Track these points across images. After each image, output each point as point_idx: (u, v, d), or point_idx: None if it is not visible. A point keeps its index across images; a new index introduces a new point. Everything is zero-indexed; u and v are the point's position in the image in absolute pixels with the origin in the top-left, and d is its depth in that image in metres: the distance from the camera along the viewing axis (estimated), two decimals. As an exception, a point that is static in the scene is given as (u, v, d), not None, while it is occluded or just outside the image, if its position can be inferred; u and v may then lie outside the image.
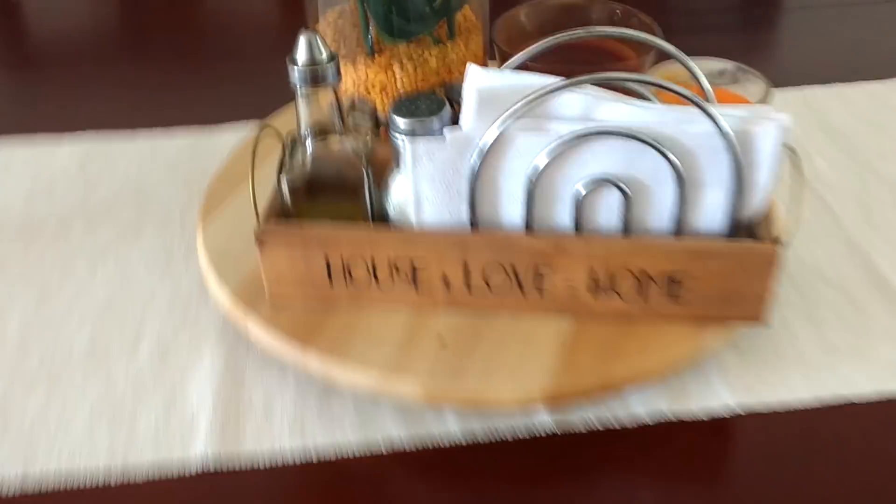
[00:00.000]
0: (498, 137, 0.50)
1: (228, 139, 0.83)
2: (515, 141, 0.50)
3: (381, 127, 0.64)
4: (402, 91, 0.61)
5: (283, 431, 0.54)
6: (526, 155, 0.51)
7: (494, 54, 0.66)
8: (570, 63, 0.59)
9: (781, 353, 0.58)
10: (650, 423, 0.54)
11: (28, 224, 0.72)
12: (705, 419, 0.54)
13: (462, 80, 0.58)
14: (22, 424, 0.54)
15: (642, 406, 0.55)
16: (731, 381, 0.56)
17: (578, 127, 0.50)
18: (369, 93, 0.61)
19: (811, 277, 0.64)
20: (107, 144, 0.83)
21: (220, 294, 0.59)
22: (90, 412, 0.55)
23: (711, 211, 0.52)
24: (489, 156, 0.51)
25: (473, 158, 0.51)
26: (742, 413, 0.54)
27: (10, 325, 0.62)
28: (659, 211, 0.52)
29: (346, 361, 0.53)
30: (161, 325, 0.62)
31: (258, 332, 0.56)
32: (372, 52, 0.61)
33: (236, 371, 0.58)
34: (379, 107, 0.62)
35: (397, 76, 0.59)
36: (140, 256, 0.69)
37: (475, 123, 0.51)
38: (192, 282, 0.66)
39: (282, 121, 0.77)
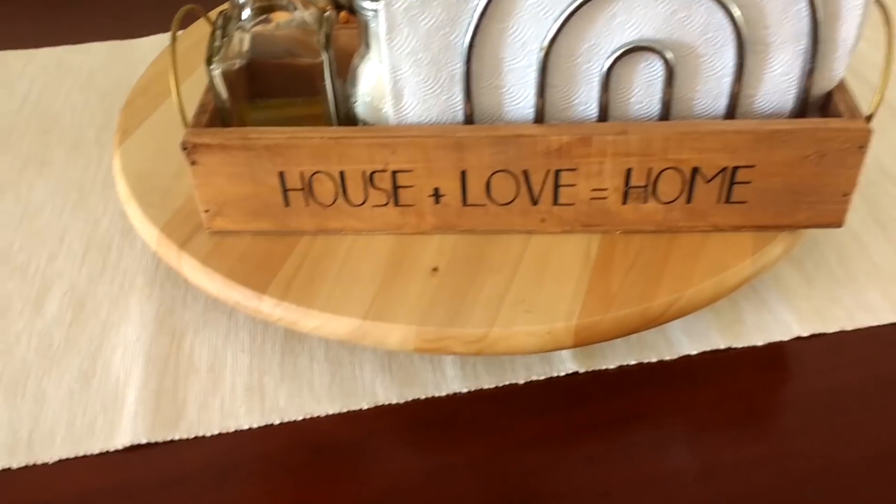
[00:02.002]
0: (501, -7, 0.37)
1: (150, 50, 0.69)
2: (524, -3, 0.37)
3: (340, 7, 0.51)
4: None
5: (237, 396, 0.41)
6: (538, 17, 0.38)
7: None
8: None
9: (851, 267, 0.47)
10: (697, 357, 0.43)
11: None
12: (765, 348, 0.43)
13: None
14: None
15: (687, 338, 0.44)
16: (794, 301, 0.45)
17: (607, -25, 0.37)
18: (323, -38, 0.48)
19: (874, 174, 0.53)
20: (4, 64, 0.68)
21: (145, 229, 0.46)
22: (-18, 388, 0.42)
23: (779, 82, 0.40)
24: (489, 19, 0.38)
25: (470, 24, 0.38)
26: (807, 337, 0.44)
27: None
28: (711, 85, 0.40)
29: (314, 306, 0.40)
30: (73, 273, 0.49)
31: (197, 274, 0.43)
32: None
33: (172, 325, 0.45)
34: (336, -20, 0.48)
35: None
36: (46, 190, 0.55)
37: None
38: (111, 218, 0.52)
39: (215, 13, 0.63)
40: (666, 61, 0.39)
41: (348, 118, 0.45)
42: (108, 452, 0.39)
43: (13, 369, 0.43)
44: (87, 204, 0.54)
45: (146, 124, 0.53)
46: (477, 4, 0.37)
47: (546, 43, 0.38)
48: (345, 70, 0.45)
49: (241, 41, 0.41)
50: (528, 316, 0.39)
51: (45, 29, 0.74)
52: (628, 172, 0.41)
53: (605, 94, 0.40)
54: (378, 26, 0.41)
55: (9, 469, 0.39)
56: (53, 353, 0.44)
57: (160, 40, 0.70)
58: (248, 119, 0.45)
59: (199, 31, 0.61)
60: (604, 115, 0.41)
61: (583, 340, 0.39)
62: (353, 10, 0.51)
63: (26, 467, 0.39)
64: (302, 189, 0.42)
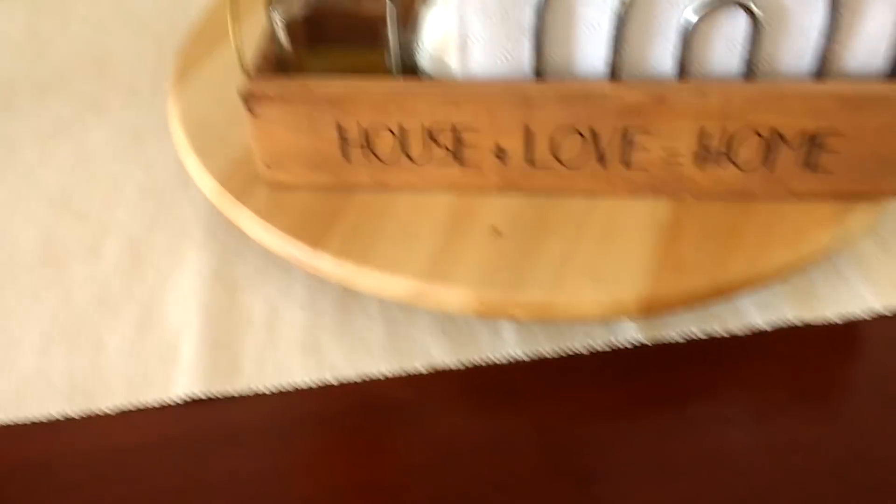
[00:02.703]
0: (579, -61, 0.35)
1: (208, -9, 0.68)
2: (605, -56, 0.35)
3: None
4: None
5: (292, 353, 0.41)
6: (618, -34, 0.36)
7: None
8: None
9: (935, 238, 0.44)
10: (768, 331, 0.41)
11: (-38, 99, 0.58)
12: (840, 323, 0.41)
13: None
14: (-46, 351, 0.42)
15: (757, 310, 0.42)
16: (871, 274, 0.43)
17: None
18: None
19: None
20: (59, 2, 0.68)
21: (203, 179, 0.45)
22: (42, 332, 0.42)
23: (872, 42, 0.37)
24: (565, -31, 0.36)
25: (543, -27, 0.36)
26: (883, 313, 0.41)
27: (-62, 224, 0.48)
28: (799, 44, 0.38)
29: (371, 264, 0.39)
30: (130, 221, 0.48)
31: (254, 227, 0.42)
32: None
33: (228, 278, 0.45)
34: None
35: None
36: (101, 136, 0.54)
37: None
38: (167, 165, 0.52)
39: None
40: (752, 15, 0.36)
41: (411, 68, 0.43)
42: (165, 406, 0.39)
43: (71, 317, 0.43)
44: (143, 150, 0.53)
45: (202, 69, 0.52)
46: (553, -49, 0.35)
47: (625, -6, 0.36)
48: (407, 14, 0.43)
49: (303, -13, 0.39)
50: (594, 283, 0.38)
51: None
52: (705, 135, 0.39)
53: (685, 51, 0.38)
54: (446, -27, 0.39)
55: (67, 417, 0.39)
56: (111, 302, 0.44)
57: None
58: (308, 67, 0.43)
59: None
60: (682, 72, 0.39)
61: (649, 310, 0.38)
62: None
63: (85, 417, 0.39)
64: (361, 143, 0.41)
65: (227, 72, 0.51)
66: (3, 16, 0.66)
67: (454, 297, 0.38)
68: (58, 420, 0.39)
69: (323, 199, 0.43)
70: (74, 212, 0.49)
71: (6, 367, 0.41)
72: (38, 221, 0.49)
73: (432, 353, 0.41)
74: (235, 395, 0.40)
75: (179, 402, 0.39)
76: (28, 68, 0.61)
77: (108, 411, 0.39)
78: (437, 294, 0.39)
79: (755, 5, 0.36)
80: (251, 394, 0.40)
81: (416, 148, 0.41)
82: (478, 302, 0.38)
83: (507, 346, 0.41)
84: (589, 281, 0.38)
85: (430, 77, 0.42)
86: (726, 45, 0.38)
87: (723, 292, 0.38)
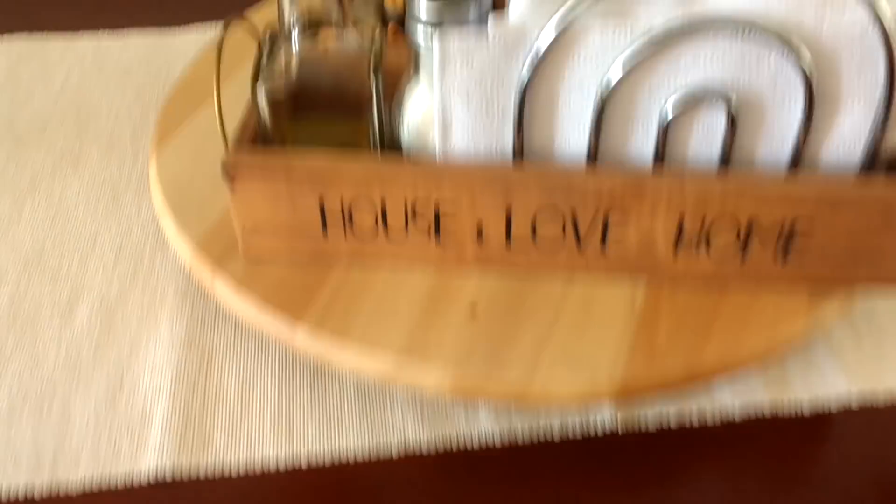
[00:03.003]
0: (562, 33, 0.35)
1: (192, 43, 0.68)
2: (587, 37, 0.36)
3: (389, 21, 0.49)
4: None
5: (265, 428, 0.41)
6: (599, 58, 0.36)
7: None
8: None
9: (906, 324, 0.45)
10: (739, 420, 0.41)
11: (-61, 147, 0.57)
12: (809, 413, 0.42)
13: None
14: (-84, 417, 0.41)
15: (732, 395, 0.42)
16: (846, 362, 0.43)
17: (677, 16, 0.35)
18: (373, -24, 0.46)
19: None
20: (41, 48, 0.67)
21: (179, 244, 0.45)
22: (9, 398, 0.42)
23: (847, 138, 0.38)
24: (548, 59, 0.36)
25: (526, 62, 0.36)
26: (858, 404, 0.42)
27: None
28: (775, 137, 0.38)
29: (348, 340, 0.39)
30: (104, 282, 0.48)
31: (229, 297, 0.42)
32: (377, -80, 0.45)
33: (202, 346, 0.44)
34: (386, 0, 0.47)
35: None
36: (79, 190, 0.54)
37: (529, 12, 0.36)
38: (144, 225, 0.51)
39: (260, 18, 0.62)
40: (730, 108, 0.37)
41: (392, 142, 0.43)
42: (132, 486, 0.39)
43: (40, 383, 0.43)
44: (120, 206, 0.53)
45: (184, 129, 0.52)
46: (536, 42, 0.36)
47: (607, 84, 0.37)
48: (391, 89, 0.43)
49: (289, 61, 0.40)
50: (570, 368, 0.38)
51: (85, 13, 0.73)
52: (681, 222, 0.39)
53: (663, 138, 0.38)
54: (430, 57, 0.39)
55: (32, 496, 0.38)
56: (81, 368, 0.43)
57: (199, 32, 0.69)
58: (290, 136, 0.43)
59: (236, 33, 0.59)
60: (660, 158, 0.39)
61: (624, 395, 0.38)
62: (401, 24, 0.49)
63: (49, 496, 0.38)
64: (341, 216, 0.41)
65: (208, 133, 0.51)
66: (-15, 62, 0.66)
67: (430, 378, 0.38)
68: (21, 500, 0.38)
69: (300, 270, 0.43)
70: (48, 270, 0.49)
71: (-31, 436, 0.40)
72: (9, 279, 0.48)
73: (407, 432, 0.41)
74: (205, 471, 0.39)
75: (149, 478, 0.39)
76: (7, 117, 0.60)
77: (74, 486, 0.38)
78: (413, 375, 0.38)
79: (733, 100, 0.37)
80: (221, 471, 0.39)
81: (396, 224, 0.41)
82: (453, 385, 0.38)
83: (483, 426, 0.41)
84: (564, 366, 0.38)
85: (411, 152, 0.43)
86: (704, 136, 0.38)
87: (697, 378, 0.38)
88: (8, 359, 0.44)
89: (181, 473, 0.39)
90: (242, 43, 0.45)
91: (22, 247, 0.50)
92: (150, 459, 0.39)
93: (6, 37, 0.69)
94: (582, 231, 0.40)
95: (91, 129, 0.59)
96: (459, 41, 0.36)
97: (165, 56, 0.67)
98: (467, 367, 0.38)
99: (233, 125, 0.41)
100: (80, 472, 0.39)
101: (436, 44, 0.36)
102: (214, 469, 0.39)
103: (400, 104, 0.42)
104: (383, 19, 0.49)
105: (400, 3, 0.47)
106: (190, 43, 0.68)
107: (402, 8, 0.47)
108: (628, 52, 0.36)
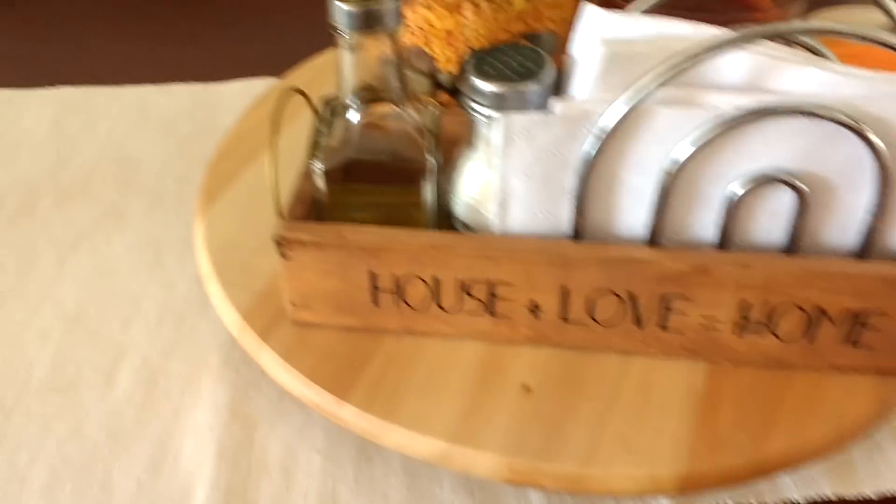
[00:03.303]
0: (629, 113, 0.34)
1: (236, 96, 0.68)
2: (654, 119, 0.35)
3: (439, 91, 0.48)
4: (471, 42, 0.45)
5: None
6: (666, 139, 0.35)
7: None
8: (694, 11, 0.43)
9: (975, 411, 0.43)
10: (801, 504, 0.40)
11: (-17, 200, 0.57)
12: (877, 501, 0.40)
13: (553, 30, 0.43)
14: (-44, 485, 0.40)
15: (794, 484, 0.40)
16: (913, 450, 0.42)
17: (746, 100, 0.34)
18: (428, 44, 0.46)
19: None
20: (85, 101, 0.68)
21: (225, 310, 0.44)
22: (50, 467, 0.41)
23: (920, 224, 0.37)
24: (613, 138, 0.35)
25: (591, 142, 0.35)
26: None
27: (-50, 338, 0.47)
28: (845, 222, 0.37)
29: (397, 420, 0.38)
30: (146, 345, 0.47)
31: (276, 368, 0.41)
32: (433, -12, 0.45)
33: (245, 415, 0.43)
34: (440, 62, 0.46)
35: (468, 21, 0.44)
36: (121, 247, 0.54)
37: (596, 92, 0.36)
38: (188, 285, 0.51)
39: (305, 77, 0.62)
40: (799, 193, 0.36)
41: (444, 213, 0.43)
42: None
43: (81, 451, 0.42)
44: (163, 265, 0.52)
45: (231, 189, 0.51)
46: (601, 123, 0.35)
47: (672, 166, 0.36)
48: (445, 163, 0.43)
49: (347, 136, 0.39)
50: (629, 456, 0.37)
51: (128, 65, 0.73)
52: (746, 306, 0.38)
53: (728, 220, 0.37)
54: (488, 130, 0.39)
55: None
56: (123, 436, 0.42)
57: (244, 87, 0.69)
58: (341, 204, 0.43)
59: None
60: (724, 240, 0.38)
61: (687, 488, 0.36)
62: (454, 93, 0.49)
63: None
64: (393, 291, 0.40)
65: (255, 195, 0.50)
66: (30, 113, 0.66)
67: (482, 462, 0.37)
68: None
69: (348, 341, 0.42)
70: (90, 331, 0.48)
71: (10, 508, 0.39)
72: (52, 340, 0.47)
73: (455, 514, 0.39)
74: (248, 551, 0.38)
75: (189, 557, 0.38)
76: (51, 169, 0.61)
77: (113, 564, 0.37)
78: (465, 457, 0.37)
79: (801, 182, 0.36)
80: (264, 550, 0.38)
81: (448, 298, 0.40)
82: (507, 469, 0.37)
83: (533, 509, 0.39)
84: (623, 453, 0.37)
85: (464, 225, 0.42)
86: (770, 219, 0.37)
87: (761, 472, 0.37)
88: (49, 427, 0.43)
89: (224, 553, 0.38)
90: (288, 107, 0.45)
91: (65, 306, 0.50)
92: (192, 537, 0.38)
93: (52, 89, 0.69)
94: (641, 312, 0.39)
95: (135, 183, 0.59)
96: (523, 119, 0.35)
97: (209, 108, 0.67)
98: (521, 453, 0.37)
99: (285, 193, 0.41)
100: (120, 549, 0.38)
101: (499, 121, 0.35)
102: (258, 549, 0.38)
103: (453, 175, 0.42)
104: (436, 85, 0.49)
105: (453, 71, 0.46)
106: (234, 96, 0.68)
107: (456, 75, 0.47)
108: (697, 133, 0.35)
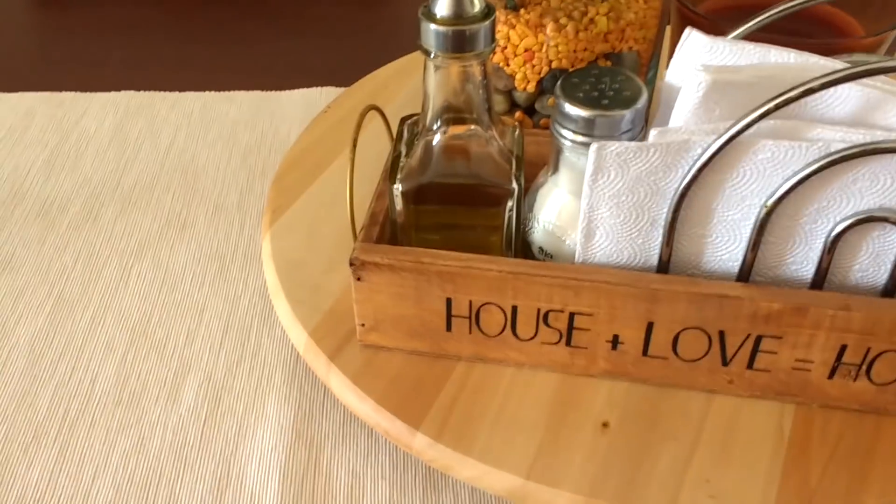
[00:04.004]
0: (730, 146, 0.33)
1: (297, 106, 0.67)
2: (757, 151, 0.33)
3: (515, 110, 0.47)
4: (552, 61, 0.44)
5: (376, 535, 0.39)
6: (767, 172, 0.34)
7: (669, 18, 0.49)
8: (789, 35, 0.42)
9: None
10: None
11: (46, 203, 0.57)
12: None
13: (636, 51, 0.42)
14: (21, 499, 0.39)
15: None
16: None
17: (853, 135, 0.33)
18: (506, 62, 0.44)
19: None
20: (148, 106, 0.68)
21: (294, 330, 0.43)
22: (114, 482, 0.40)
23: None
24: (711, 170, 0.34)
25: (688, 174, 0.34)
26: None
27: (11, 348, 0.47)
28: (953, 266, 0.35)
29: (472, 453, 0.37)
30: (210, 360, 0.47)
31: (345, 392, 0.40)
32: (515, 6, 0.44)
33: (309, 436, 0.43)
34: (517, 81, 0.45)
35: (549, 40, 0.43)
36: (186, 258, 0.53)
37: (695, 120, 0.34)
38: (252, 299, 0.50)
39: (368, 89, 0.61)
40: (906, 233, 0.34)
41: (521, 239, 0.41)
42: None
43: (146, 467, 0.41)
44: (227, 278, 0.52)
45: (297, 204, 0.51)
46: (699, 154, 0.33)
47: (771, 201, 0.34)
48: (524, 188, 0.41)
49: (427, 157, 0.38)
50: (713, 502, 0.35)
51: (190, 71, 0.73)
52: (842, 349, 0.36)
53: (828, 258, 0.36)
54: (574, 155, 0.37)
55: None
56: (187, 454, 0.42)
57: (305, 96, 0.68)
58: (415, 223, 0.42)
59: (349, 103, 0.58)
60: (821, 279, 0.36)
61: (775, 539, 0.35)
62: (531, 113, 0.47)
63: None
64: (468, 318, 0.39)
65: (322, 210, 0.50)
66: (94, 118, 0.66)
67: (560, 501, 0.36)
68: None
69: (419, 367, 0.41)
70: (154, 343, 0.48)
71: (74, 524, 0.39)
72: (117, 351, 0.47)
73: (527, 552, 0.38)
74: (313, 580, 0.37)
75: (254, 584, 0.37)
76: (114, 175, 0.61)
77: (178, 588, 0.37)
78: (542, 495, 0.36)
79: (909, 223, 0.34)
80: (330, 581, 0.37)
81: (525, 328, 0.39)
82: (586, 510, 0.35)
83: (608, 550, 0.38)
84: (708, 500, 0.35)
85: (542, 251, 0.41)
86: (873, 258, 0.35)
87: (856, 524, 0.35)
88: (114, 440, 0.42)
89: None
90: (349, 119, 0.44)
91: (129, 317, 0.49)
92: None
93: (115, 93, 0.69)
94: (729, 350, 0.37)
95: (197, 192, 0.59)
96: (617, 147, 0.34)
97: (270, 117, 0.66)
98: (600, 494, 0.35)
99: (360, 214, 0.40)
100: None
101: (591, 150, 0.34)
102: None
103: (533, 201, 0.41)
104: (512, 105, 0.47)
105: (532, 88, 0.45)
106: (295, 105, 0.67)
107: (533, 94, 0.46)
108: (800, 167, 0.33)
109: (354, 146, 0.38)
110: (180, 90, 0.69)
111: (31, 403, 0.44)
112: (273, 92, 0.69)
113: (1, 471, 0.41)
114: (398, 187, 0.38)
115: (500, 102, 0.46)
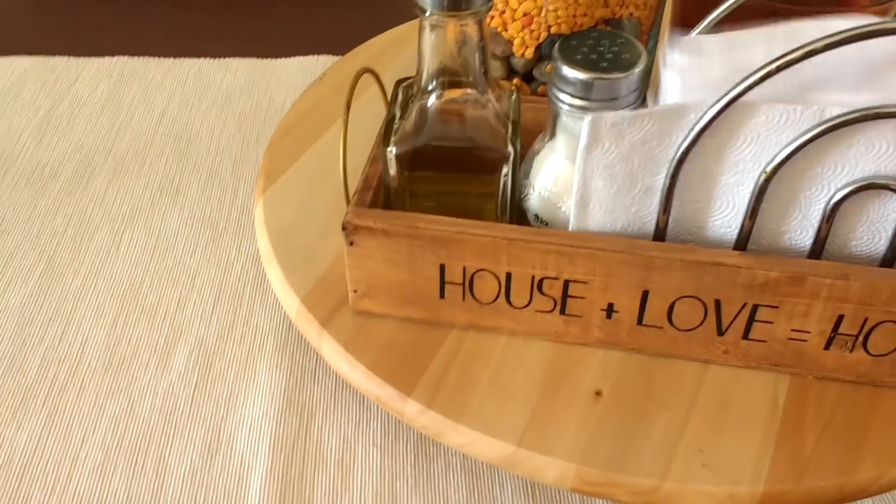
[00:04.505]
0: (727, 113, 0.32)
1: (292, 73, 0.67)
2: (756, 115, 0.33)
3: (513, 76, 0.47)
4: (550, 26, 0.43)
5: (367, 501, 0.38)
6: (764, 137, 0.33)
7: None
8: (791, 3, 0.41)
9: None
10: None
11: (38, 167, 0.56)
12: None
13: (636, 16, 0.41)
14: (7, 470, 0.39)
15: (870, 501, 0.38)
16: None
17: (854, 99, 0.32)
18: (504, 26, 0.44)
19: None
20: (142, 72, 0.67)
21: (286, 296, 0.43)
22: (103, 447, 0.40)
23: None
24: (709, 135, 0.33)
25: (685, 142, 0.33)
26: None
27: (0, 311, 0.46)
28: (954, 236, 0.35)
29: (464, 420, 0.37)
30: (201, 325, 0.46)
31: (337, 359, 0.40)
32: (513, -32, 0.43)
33: (301, 403, 0.42)
34: (515, 46, 0.44)
35: (548, 4, 0.42)
36: (179, 224, 0.53)
37: (687, 92, 0.33)
38: (244, 266, 0.50)
39: (364, 58, 0.60)
40: (906, 202, 0.34)
41: (516, 206, 0.41)
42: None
43: (135, 432, 0.41)
44: (219, 243, 0.51)
45: (291, 171, 0.50)
46: (695, 120, 0.33)
47: (770, 167, 0.33)
48: (521, 155, 0.41)
49: (422, 120, 0.37)
50: (707, 472, 0.35)
51: (185, 38, 0.72)
52: (839, 319, 0.36)
53: (826, 227, 0.35)
54: (571, 120, 0.37)
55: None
56: (177, 419, 0.42)
57: (301, 64, 0.68)
58: (408, 190, 0.41)
59: (344, 71, 0.57)
60: (818, 248, 0.36)
61: (767, 509, 0.34)
62: (529, 79, 0.47)
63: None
64: (462, 285, 0.39)
65: (316, 177, 0.49)
66: (87, 83, 0.65)
67: (551, 469, 0.35)
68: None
69: (411, 334, 0.40)
70: (145, 308, 0.47)
71: (64, 486, 0.38)
72: (107, 317, 0.47)
73: (518, 520, 0.38)
74: (303, 545, 0.37)
75: (243, 548, 0.37)
76: (107, 140, 0.60)
77: (166, 552, 0.37)
78: (533, 463, 0.36)
79: (910, 191, 0.33)
80: (320, 546, 0.37)
81: (519, 295, 0.38)
82: (577, 478, 0.35)
83: (599, 518, 0.38)
84: (701, 470, 0.35)
85: (537, 218, 0.40)
86: (870, 227, 0.35)
87: (849, 497, 0.35)
88: (104, 404, 0.42)
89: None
90: (344, 87, 0.43)
91: (120, 283, 0.49)
92: (246, 527, 0.37)
93: (108, 58, 0.68)
94: (725, 320, 0.37)
95: (191, 159, 0.58)
96: (613, 117, 0.33)
97: (266, 86, 0.65)
98: (592, 462, 0.35)
99: (353, 179, 0.39)
100: (174, 536, 0.37)
101: (585, 123, 0.33)
102: (313, 545, 0.37)
103: (530, 168, 0.40)
104: (509, 71, 0.47)
105: (530, 55, 0.44)
106: (291, 73, 0.66)
107: (530, 62, 0.45)
108: (799, 132, 0.33)
109: (348, 108, 0.38)
110: (175, 56, 0.68)
111: (20, 367, 0.43)
112: (269, 60, 0.68)
113: (-11, 434, 0.40)
114: (392, 150, 0.37)
115: (497, 69, 0.46)
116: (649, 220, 0.37)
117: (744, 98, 0.32)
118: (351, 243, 0.38)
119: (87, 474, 0.39)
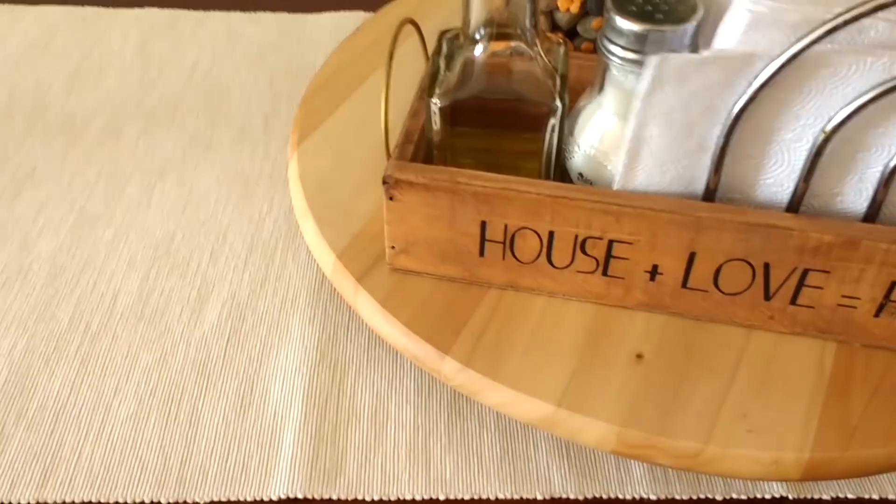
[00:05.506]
0: (795, 65, 0.31)
1: (324, 30, 0.65)
2: (825, 66, 0.31)
3: (556, 32, 0.45)
4: (597, -20, 0.42)
5: (400, 459, 0.38)
6: (832, 92, 0.32)
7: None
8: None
9: None
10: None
11: (68, 119, 0.56)
12: None
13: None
14: (41, 415, 0.39)
15: (915, 475, 0.38)
16: None
17: (924, 58, 0.31)
18: (550, -21, 0.43)
19: None
20: (173, 25, 0.66)
21: (321, 252, 0.42)
22: (136, 397, 0.40)
23: None
24: (770, 87, 0.32)
25: (748, 89, 0.32)
26: None
27: (33, 259, 0.46)
28: None
29: (502, 380, 0.36)
30: (234, 279, 0.46)
31: (374, 315, 0.39)
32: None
33: (334, 359, 0.42)
34: (560, 2, 0.43)
35: (598, -44, 0.41)
36: (210, 178, 0.52)
37: (753, 42, 0.32)
38: (277, 221, 0.49)
39: (400, 13, 0.59)
40: (972, 166, 0.32)
41: (560, 165, 0.40)
42: (260, 502, 0.37)
43: (168, 382, 0.41)
44: (251, 199, 0.51)
45: (325, 126, 0.49)
46: (761, 70, 0.31)
47: (830, 126, 0.32)
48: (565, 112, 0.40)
49: (468, 73, 0.36)
50: (751, 437, 0.34)
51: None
52: (892, 286, 0.35)
53: (883, 191, 0.34)
54: (622, 74, 0.35)
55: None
56: (210, 371, 0.41)
57: (333, 20, 0.66)
58: (449, 145, 0.40)
59: (379, 26, 0.56)
60: (873, 213, 0.35)
61: (813, 476, 0.34)
62: (571, 36, 0.45)
63: (177, 505, 0.36)
64: (503, 243, 0.38)
65: (351, 132, 0.48)
66: (117, 34, 0.65)
67: (591, 430, 0.35)
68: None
69: (449, 292, 0.40)
70: (178, 261, 0.47)
71: (99, 435, 0.38)
72: (139, 269, 0.46)
73: (554, 481, 0.37)
74: (334, 498, 0.37)
75: (277, 500, 0.37)
76: (137, 93, 0.59)
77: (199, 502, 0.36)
78: (572, 423, 0.35)
79: (975, 154, 0.32)
80: (351, 500, 0.37)
81: (561, 255, 0.38)
82: (618, 441, 0.35)
83: (636, 481, 0.37)
84: (745, 434, 0.34)
85: (581, 178, 0.39)
86: (932, 191, 0.34)
87: (894, 465, 0.34)
88: (137, 354, 0.42)
89: (311, 490, 0.36)
90: (382, 41, 0.42)
91: (152, 235, 0.48)
92: (279, 485, 0.37)
93: (138, 9, 0.67)
94: (773, 284, 0.36)
95: (222, 114, 0.57)
96: (678, 60, 0.32)
97: (298, 42, 0.64)
98: (633, 424, 0.34)
99: (395, 133, 0.38)
100: (206, 492, 0.37)
101: (650, 63, 0.32)
102: (346, 489, 0.37)
103: (575, 124, 0.39)
104: (552, 26, 0.45)
105: (575, 9, 0.43)
106: (323, 29, 0.65)
107: (575, 17, 0.44)
108: (862, 93, 0.31)
109: (391, 59, 0.37)
110: (205, 9, 0.67)
111: (53, 315, 0.43)
112: (300, 14, 0.67)
113: (22, 380, 0.40)
114: (436, 102, 0.36)
115: (543, 25, 0.44)
116: (698, 177, 0.36)
117: (814, 48, 0.30)
118: (391, 198, 0.38)
119: (121, 422, 0.39)
